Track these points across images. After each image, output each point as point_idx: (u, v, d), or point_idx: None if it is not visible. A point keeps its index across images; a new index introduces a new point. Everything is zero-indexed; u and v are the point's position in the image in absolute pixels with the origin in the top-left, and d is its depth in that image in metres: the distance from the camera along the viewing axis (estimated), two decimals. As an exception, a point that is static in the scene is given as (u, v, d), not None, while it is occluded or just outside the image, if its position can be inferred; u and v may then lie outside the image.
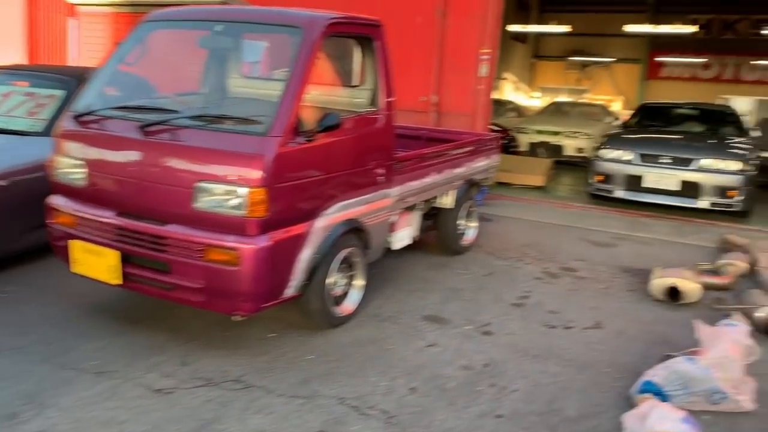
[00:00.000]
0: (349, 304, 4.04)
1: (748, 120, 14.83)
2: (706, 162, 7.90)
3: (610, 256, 6.15)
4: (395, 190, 4.41)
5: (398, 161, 4.43)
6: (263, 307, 3.38)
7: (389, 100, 4.28)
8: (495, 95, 22.77)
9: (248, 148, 3.27)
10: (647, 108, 10.43)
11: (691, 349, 3.49)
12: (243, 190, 3.20)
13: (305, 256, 3.53)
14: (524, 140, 14.53)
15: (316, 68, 3.80)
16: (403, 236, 4.85)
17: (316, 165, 3.58)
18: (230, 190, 3.23)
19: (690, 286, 4.73)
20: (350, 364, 3.50)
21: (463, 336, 3.95)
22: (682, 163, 7.98)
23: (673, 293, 4.69)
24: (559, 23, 19.71)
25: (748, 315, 4.31)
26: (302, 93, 3.47)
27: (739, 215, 8.07)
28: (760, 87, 22.63)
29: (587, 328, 4.23)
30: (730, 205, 7.84)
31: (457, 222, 5.65)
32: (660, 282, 4.79)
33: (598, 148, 8.73)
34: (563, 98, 24.56)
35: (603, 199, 8.75)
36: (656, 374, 3.15)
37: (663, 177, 7.98)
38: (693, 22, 21.47)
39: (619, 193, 8.32)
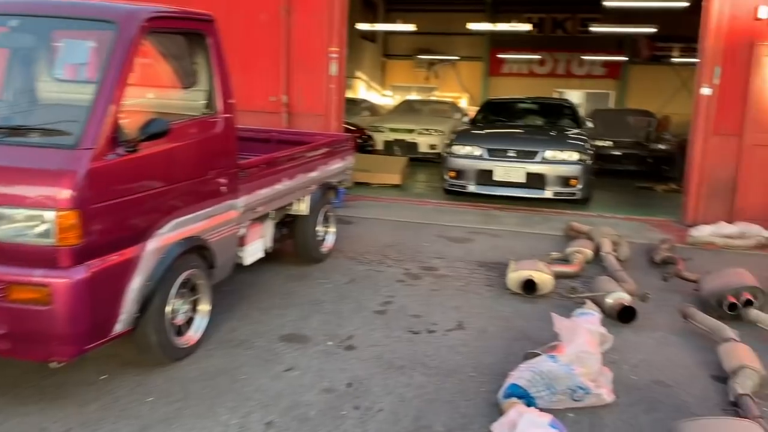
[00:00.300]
0: (193, 333, 3.62)
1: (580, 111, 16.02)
2: (548, 154, 8.26)
3: (467, 252, 6.18)
4: (242, 201, 4.04)
5: (244, 168, 4.07)
6: (86, 350, 2.88)
7: (228, 101, 3.89)
8: (349, 94, 22.81)
9: (54, 163, 2.76)
10: (491, 104, 10.80)
11: (551, 344, 3.48)
12: (50, 214, 2.69)
13: (136, 284, 3.07)
14: (379, 139, 14.58)
15: (144, 69, 3.35)
16: (255, 249, 4.49)
17: (142, 179, 3.12)
18: (34, 215, 2.71)
19: (544, 277, 4.82)
20: (197, 403, 3.09)
21: (324, 354, 3.68)
22: (527, 156, 8.29)
23: (529, 285, 4.74)
24: (404, 22, 20.09)
25: (598, 302, 4.44)
26: (120, 97, 3.01)
27: (581, 202, 8.54)
28: (589, 80, 24.60)
29: (450, 330, 4.13)
30: (572, 194, 8.27)
31: (315, 228, 5.37)
32: (516, 275, 4.83)
33: (449, 145, 8.85)
34: (414, 96, 25.20)
35: (457, 194, 8.89)
36: (521, 376, 3.08)
37: (511, 170, 8.24)
38: (528, 21, 22.84)
39: (472, 188, 8.49)
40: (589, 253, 5.82)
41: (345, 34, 8.79)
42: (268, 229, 4.77)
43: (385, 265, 5.59)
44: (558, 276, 5.18)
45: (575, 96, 24.35)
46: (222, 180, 3.81)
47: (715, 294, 4.48)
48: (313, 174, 5.18)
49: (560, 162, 8.23)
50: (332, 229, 5.74)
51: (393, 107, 17.28)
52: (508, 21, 21.61)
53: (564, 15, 24.20)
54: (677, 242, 6.75)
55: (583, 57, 23.90)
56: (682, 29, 21.03)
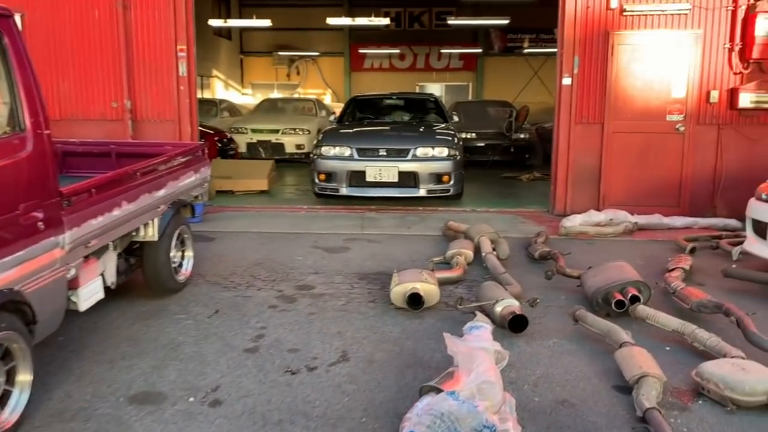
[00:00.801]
0: (9, 414, 2.84)
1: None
2: (419, 151, 8.01)
3: (345, 263, 5.72)
4: (68, 236, 3.28)
5: (67, 196, 3.31)
6: None
7: (37, 115, 3.12)
8: (205, 95, 21.57)
9: None
10: (357, 100, 10.42)
11: (447, 372, 3.11)
12: None
13: None
14: (242, 141, 13.79)
15: None
16: (92, 291, 3.72)
17: None
18: None
19: (429, 288, 4.47)
20: None
21: (184, 416, 3.05)
22: (399, 154, 7.99)
23: (415, 299, 4.37)
24: (260, 17, 19.26)
25: (487, 312, 4.16)
26: None
27: (454, 198, 8.39)
28: (448, 73, 25.10)
29: (333, 363, 3.64)
30: (446, 191, 8.08)
31: (168, 255, 4.64)
32: (400, 289, 4.44)
33: (317, 146, 8.35)
34: (276, 94, 24.38)
35: (329, 198, 8.43)
36: (420, 422, 2.66)
37: (383, 170, 7.89)
38: (385, 15, 22.83)
39: (344, 191, 8.06)
40: (469, 254, 5.58)
41: (193, 30, 7.99)
42: (109, 263, 4.01)
43: (254, 288, 4.99)
44: (442, 283, 4.88)
45: (436, 89, 24.75)
46: (38, 214, 3.04)
47: (600, 291, 4.36)
48: (162, 192, 4.45)
49: (431, 159, 8.00)
50: (189, 253, 5.03)
51: (254, 107, 16.46)
52: (366, 15, 21.45)
53: (420, 9, 24.46)
54: (551, 234, 6.73)
55: (441, 50, 24.27)
56: (531, 21, 22.00)
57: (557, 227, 7.04)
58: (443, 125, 9.23)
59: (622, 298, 4.19)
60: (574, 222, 6.82)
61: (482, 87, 24.75)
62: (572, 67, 7.46)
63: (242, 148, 13.70)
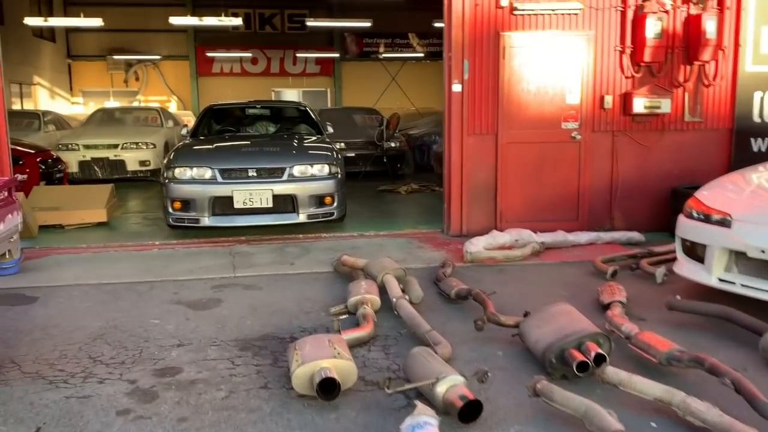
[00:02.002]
0: None
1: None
2: (297, 170, 6.85)
3: (219, 324, 4.45)
4: None
5: None
6: None
7: None
8: (28, 105, 18.65)
9: None
10: (214, 110, 9.01)
11: None
12: None
13: None
14: (73, 159, 11.79)
15: None
16: None
17: None
18: None
19: (343, 365, 3.37)
20: None
21: None
22: (272, 174, 6.78)
23: (327, 385, 3.25)
24: (87, 16, 16.91)
25: (428, 396, 3.16)
26: None
27: (337, 221, 7.34)
28: (305, 78, 24.00)
29: None
30: (329, 214, 7.00)
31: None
32: (305, 371, 3.30)
33: (168, 167, 6.89)
34: (113, 103, 21.84)
35: (188, 229, 7.01)
36: None
37: (254, 194, 6.64)
38: (233, 16, 21.25)
39: (207, 221, 6.70)
40: (376, 300, 4.55)
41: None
42: None
43: (94, 379, 3.58)
44: (352, 345, 3.81)
45: (293, 95, 23.62)
46: None
47: (552, 349, 3.52)
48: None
49: (311, 178, 6.89)
50: (-7, 340, 3.52)
51: (86, 119, 14.27)
52: (212, 15, 19.77)
53: (271, 10, 23.17)
54: (456, 261, 5.91)
55: (297, 54, 23.11)
56: (387, 25, 21.55)
57: (459, 251, 6.25)
58: (318, 138, 8.14)
59: (585, 359, 3.38)
60: (478, 246, 6.05)
61: (341, 93, 23.97)
62: (462, 73, 6.71)
63: (73, 168, 11.70)
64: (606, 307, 4.48)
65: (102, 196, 7.96)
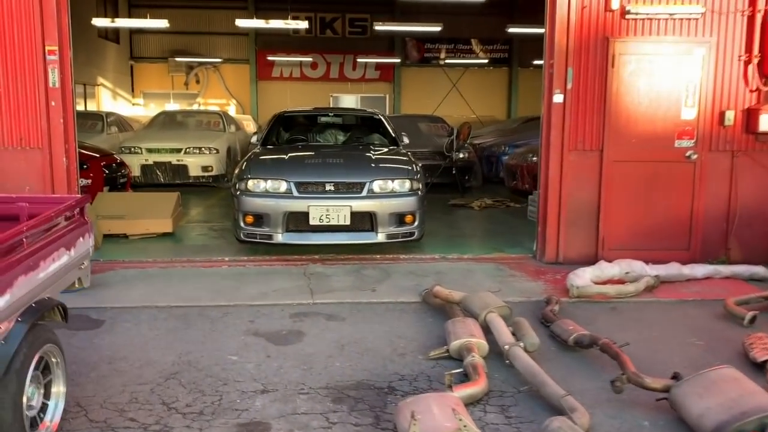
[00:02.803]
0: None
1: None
2: (377, 185, 6.29)
3: (304, 365, 3.90)
4: None
5: None
6: None
7: None
8: (91, 106, 18.75)
9: None
10: (286, 117, 8.54)
11: None
12: None
13: None
14: (135, 163, 11.54)
15: None
16: None
17: None
18: None
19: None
20: None
21: None
22: (351, 189, 6.23)
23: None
24: (152, 18, 16.81)
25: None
26: None
27: (415, 241, 6.73)
28: (364, 84, 23.54)
29: None
30: (409, 234, 6.41)
31: (19, 401, 2.64)
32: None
33: (241, 178, 6.42)
34: (173, 106, 21.85)
35: (258, 245, 6.54)
36: None
37: (331, 210, 6.10)
38: (294, 20, 20.97)
39: (280, 237, 6.18)
40: (484, 346, 3.94)
41: (68, 26, 5.88)
42: None
43: (170, 430, 3.08)
44: (465, 403, 3.21)
45: (351, 100, 23.21)
46: None
47: (726, 429, 2.83)
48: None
49: (391, 194, 6.31)
50: (59, 389, 3.01)
51: (149, 121, 14.10)
52: (274, 18, 19.53)
53: (332, 14, 22.82)
54: (558, 295, 5.24)
55: (358, 59, 22.67)
56: (449, 30, 20.88)
57: (559, 283, 5.59)
58: (394, 149, 7.57)
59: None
60: (585, 278, 5.35)
61: (400, 99, 23.41)
62: (565, 82, 6.03)
63: (135, 172, 11.45)
64: (761, 365, 3.76)
65: (168, 205, 7.57)
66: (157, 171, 11.71)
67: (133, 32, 22.40)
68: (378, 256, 6.45)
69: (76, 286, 3.35)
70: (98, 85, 19.65)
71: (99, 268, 5.92)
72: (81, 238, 3.26)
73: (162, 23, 16.25)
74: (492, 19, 22.81)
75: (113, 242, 7.05)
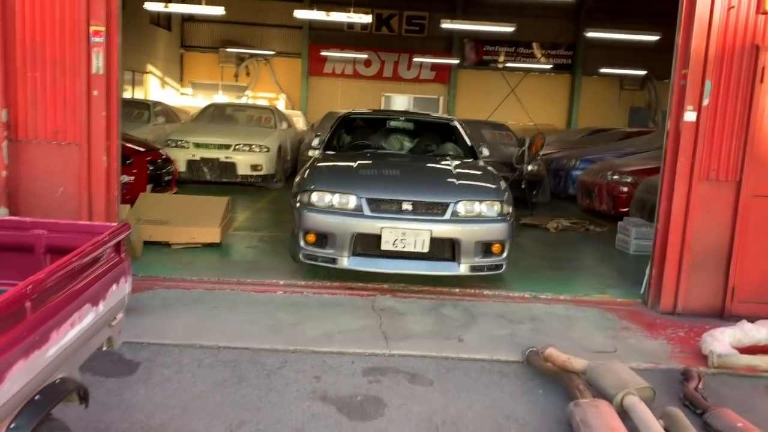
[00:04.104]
0: None
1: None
2: (462, 207, 5.33)
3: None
4: None
5: None
6: None
7: None
8: (137, 93, 18.23)
9: None
10: (351, 119, 7.64)
11: None
12: None
13: None
14: (181, 157, 10.81)
15: None
16: None
17: None
18: None
19: None
20: None
21: None
22: (431, 210, 5.29)
23: None
24: (207, 5, 16.14)
25: None
26: None
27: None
28: (418, 84, 22.59)
29: None
30: (496, 266, 5.43)
31: None
32: None
33: (303, 189, 5.52)
34: (222, 97, 21.24)
35: (317, 266, 5.65)
36: None
37: (408, 234, 5.16)
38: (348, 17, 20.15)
39: (346, 262, 5.27)
40: (632, 446, 2.95)
41: (117, 6, 5.07)
42: None
43: None
44: None
45: (404, 101, 22.30)
46: None
47: None
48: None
49: (478, 219, 5.34)
50: None
51: (198, 113, 13.39)
52: (333, 11, 18.70)
53: (389, 11, 21.91)
54: (693, 363, 4.21)
55: (414, 58, 21.72)
56: (515, 33, 19.81)
57: (685, 342, 4.56)
58: (476, 163, 6.59)
59: None
60: (724, 343, 4.30)
61: (454, 101, 22.37)
62: (700, 97, 4.97)
63: (181, 167, 10.72)
64: None
65: (216, 212, 6.75)
66: (204, 168, 10.97)
67: (185, 20, 21.89)
68: (458, 290, 5.49)
69: (104, 347, 2.48)
70: (147, 73, 19.15)
71: (136, 286, 5.06)
72: (115, 285, 2.38)
73: (218, 10, 15.55)
74: (557, 23, 21.67)
75: (154, 251, 6.26)
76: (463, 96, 22.43)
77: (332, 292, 5.30)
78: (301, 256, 5.42)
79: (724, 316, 5.14)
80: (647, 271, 5.55)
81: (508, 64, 22.32)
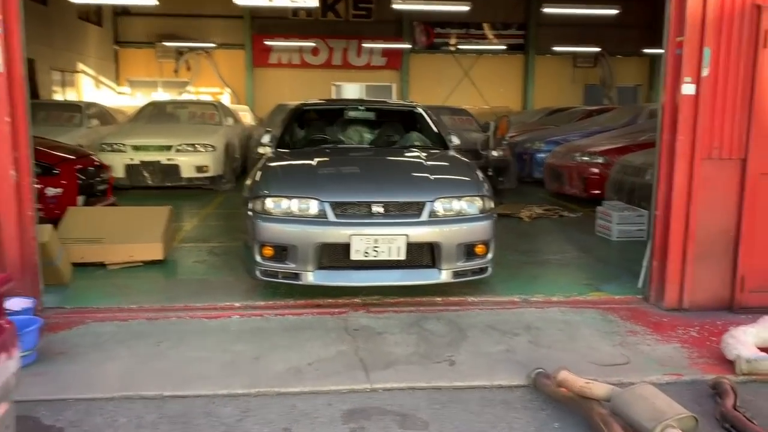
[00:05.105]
0: None
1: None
2: (440, 205, 4.68)
3: None
4: None
5: None
6: None
7: None
8: (69, 95, 16.96)
9: None
10: (305, 111, 6.89)
11: None
12: None
13: None
14: (118, 163, 9.89)
15: None
16: None
17: None
18: None
19: None
20: None
21: None
22: (406, 211, 4.62)
23: None
24: (142, -2, 15.06)
25: None
26: None
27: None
28: (369, 72, 21.85)
29: None
30: (480, 270, 4.82)
31: None
32: None
33: (256, 195, 4.78)
34: (162, 94, 20.11)
35: (278, 282, 4.93)
36: None
37: (381, 241, 4.48)
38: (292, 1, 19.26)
39: (311, 277, 4.56)
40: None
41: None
42: None
43: None
44: None
45: (355, 89, 21.54)
46: None
47: None
48: None
49: (458, 218, 4.70)
50: None
51: (135, 113, 12.38)
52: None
53: (334, -5, 21.08)
54: (716, 369, 3.69)
55: (364, 45, 20.97)
56: (464, 13, 19.23)
57: (697, 343, 4.06)
58: (448, 154, 5.95)
59: None
60: (748, 344, 3.79)
61: (408, 88, 21.74)
62: (698, 67, 4.43)
63: (119, 173, 9.81)
64: None
65: (158, 224, 5.93)
66: (145, 172, 10.07)
67: (118, 14, 20.59)
68: (439, 299, 4.86)
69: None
70: (78, 72, 17.86)
71: (64, 322, 4.31)
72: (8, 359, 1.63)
73: (151, 1, 14.47)
74: (507, 1, 21.21)
75: (86, 275, 5.42)
76: (416, 82, 21.81)
77: (297, 313, 4.59)
78: (258, 273, 4.68)
79: (733, 308, 4.65)
80: (645, 263, 5.03)
81: (461, 47, 21.80)
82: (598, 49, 21.55)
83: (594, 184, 9.40)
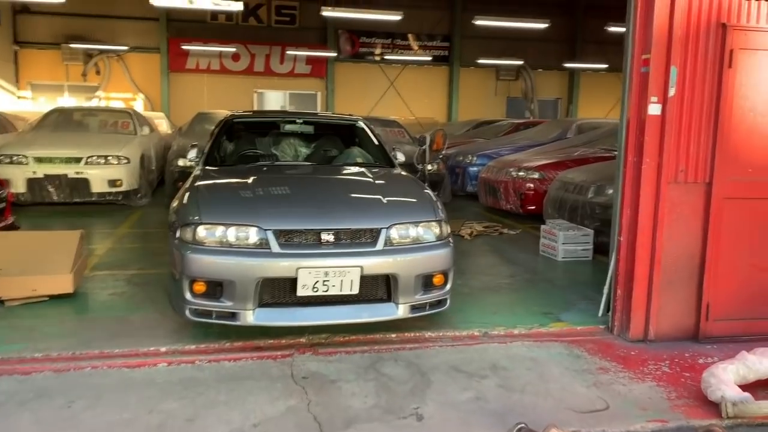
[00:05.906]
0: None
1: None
2: (395, 232, 4.24)
3: None
4: None
5: None
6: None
7: None
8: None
9: None
10: (236, 124, 6.28)
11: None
12: None
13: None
14: (18, 176, 8.91)
15: None
16: None
17: None
18: None
19: None
20: None
21: None
22: (359, 240, 4.14)
23: None
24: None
25: None
26: None
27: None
28: (293, 79, 21.21)
29: None
30: (439, 303, 4.42)
31: None
32: None
33: (187, 222, 4.16)
34: (69, 100, 18.69)
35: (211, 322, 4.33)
36: None
37: (330, 273, 3.98)
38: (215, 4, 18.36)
39: (251, 317, 4.00)
40: None
41: None
42: None
43: None
44: None
45: (278, 97, 20.85)
46: None
47: None
48: None
49: (416, 246, 4.28)
50: None
51: (38, 121, 11.25)
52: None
53: (256, 0, 20.32)
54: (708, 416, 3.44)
55: (288, 51, 20.32)
56: (389, 24, 19.00)
57: (672, 380, 3.81)
58: (397, 173, 5.52)
59: None
60: (730, 383, 3.56)
61: (333, 97, 21.26)
62: (665, 86, 4.23)
63: (20, 187, 8.83)
64: None
65: (66, 251, 5.16)
66: (49, 187, 9.09)
67: (18, 11, 18.97)
68: (394, 336, 4.41)
69: None
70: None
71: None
72: None
73: (55, -1, 13.28)
74: (432, 13, 21.21)
75: (-22, 315, 4.61)
76: (342, 91, 21.37)
77: (235, 357, 4.01)
78: (187, 313, 4.07)
79: (699, 338, 4.47)
80: (605, 291, 4.79)
81: (386, 57, 21.56)
82: (520, 63, 21.87)
83: (530, 200, 9.28)
